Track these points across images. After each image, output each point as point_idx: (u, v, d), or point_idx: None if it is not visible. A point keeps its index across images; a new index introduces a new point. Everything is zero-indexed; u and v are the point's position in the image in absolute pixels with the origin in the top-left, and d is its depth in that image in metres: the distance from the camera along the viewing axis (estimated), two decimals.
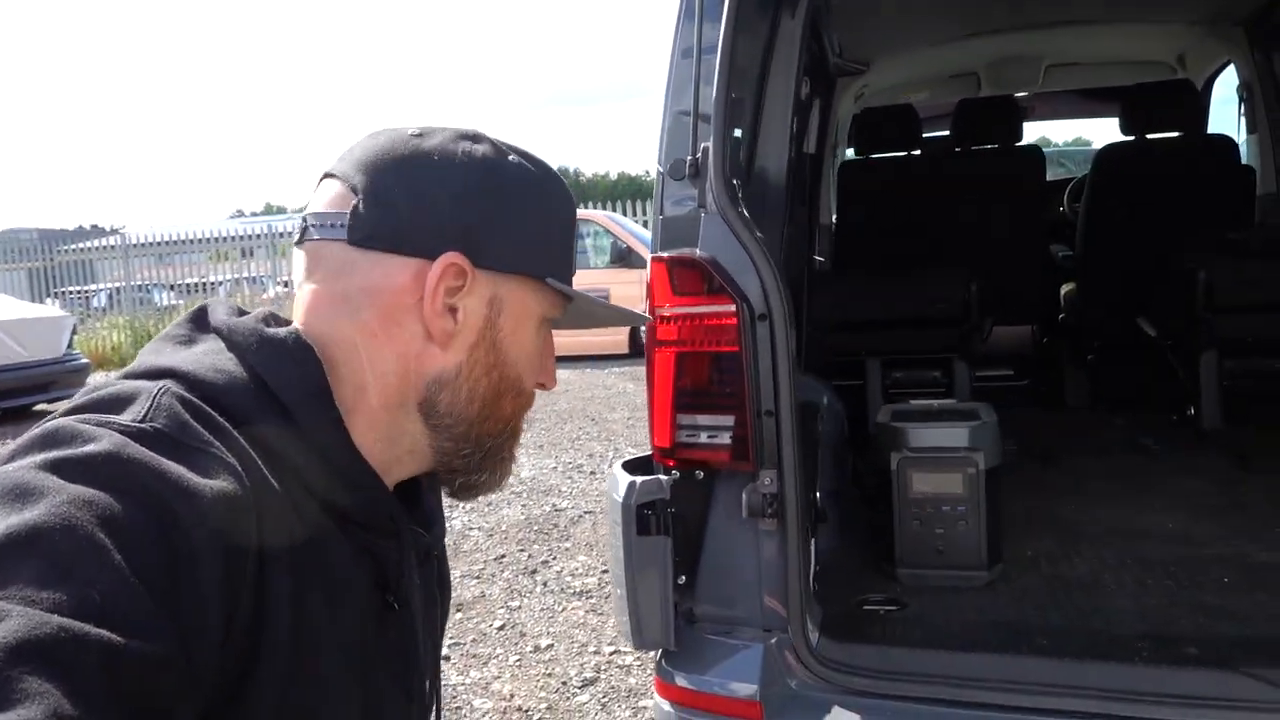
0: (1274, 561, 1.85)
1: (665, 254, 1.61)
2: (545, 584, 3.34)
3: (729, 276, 1.55)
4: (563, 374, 7.63)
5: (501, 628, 3.00)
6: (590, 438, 5.99)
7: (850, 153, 4.19)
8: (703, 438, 1.59)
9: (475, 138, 0.72)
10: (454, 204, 0.69)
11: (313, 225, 0.70)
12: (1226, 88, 3.95)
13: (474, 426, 0.73)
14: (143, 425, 0.56)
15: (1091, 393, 3.64)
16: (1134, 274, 3.40)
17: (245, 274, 14.35)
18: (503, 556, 3.68)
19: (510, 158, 0.73)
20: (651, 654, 1.69)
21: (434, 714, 0.82)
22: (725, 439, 1.56)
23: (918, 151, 3.91)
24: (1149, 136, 3.60)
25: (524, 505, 4.47)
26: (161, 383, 0.60)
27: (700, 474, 1.62)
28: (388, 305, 0.69)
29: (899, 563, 1.85)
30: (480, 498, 0.81)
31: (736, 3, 1.60)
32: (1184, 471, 2.55)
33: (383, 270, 0.68)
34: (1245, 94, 3.73)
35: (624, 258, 10.02)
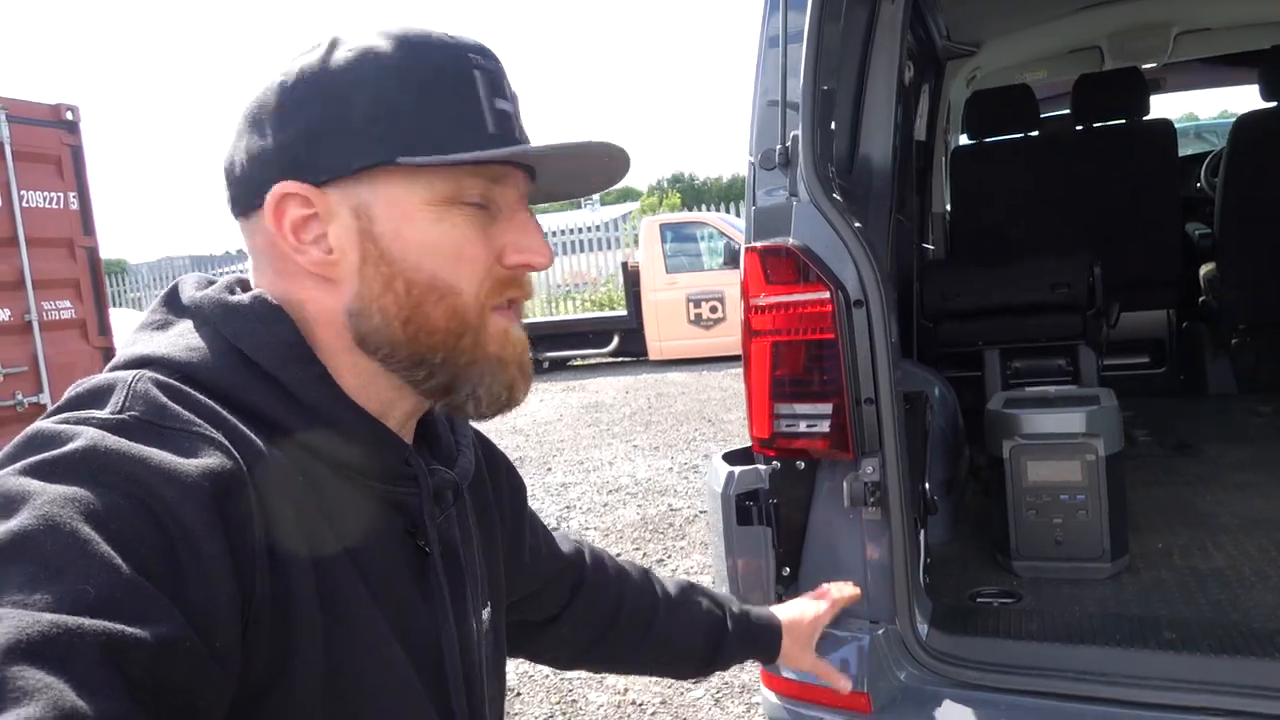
0: None
1: (759, 244, 1.60)
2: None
3: (823, 264, 1.54)
4: (679, 376, 7.69)
5: None
6: (706, 438, 5.99)
7: (964, 139, 4.05)
8: (801, 426, 1.57)
9: (309, 52, 0.67)
10: (273, 135, 0.65)
11: (228, 201, 0.71)
12: None
13: (414, 347, 0.67)
14: (120, 416, 0.55)
15: (1236, 379, 3.40)
16: (1278, 250, 3.17)
17: None
18: (619, 555, 3.71)
19: (337, 53, 0.65)
20: None
21: (492, 649, 0.82)
22: (824, 427, 1.54)
23: (1035, 133, 3.74)
24: None
25: (639, 506, 4.51)
26: (137, 371, 0.59)
27: (801, 464, 1.61)
28: (275, 260, 0.67)
29: (1014, 554, 1.78)
30: (503, 413, 0.72)
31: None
32: None
33: (256, 229, 0.68)
34: None
35: (737, 258, 9.96)
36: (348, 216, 0.65)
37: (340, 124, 0.64)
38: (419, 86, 0.64)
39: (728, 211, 12.43)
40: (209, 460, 0.55)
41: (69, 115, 5.15)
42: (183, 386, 0.60)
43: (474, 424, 0.91)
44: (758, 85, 1.73)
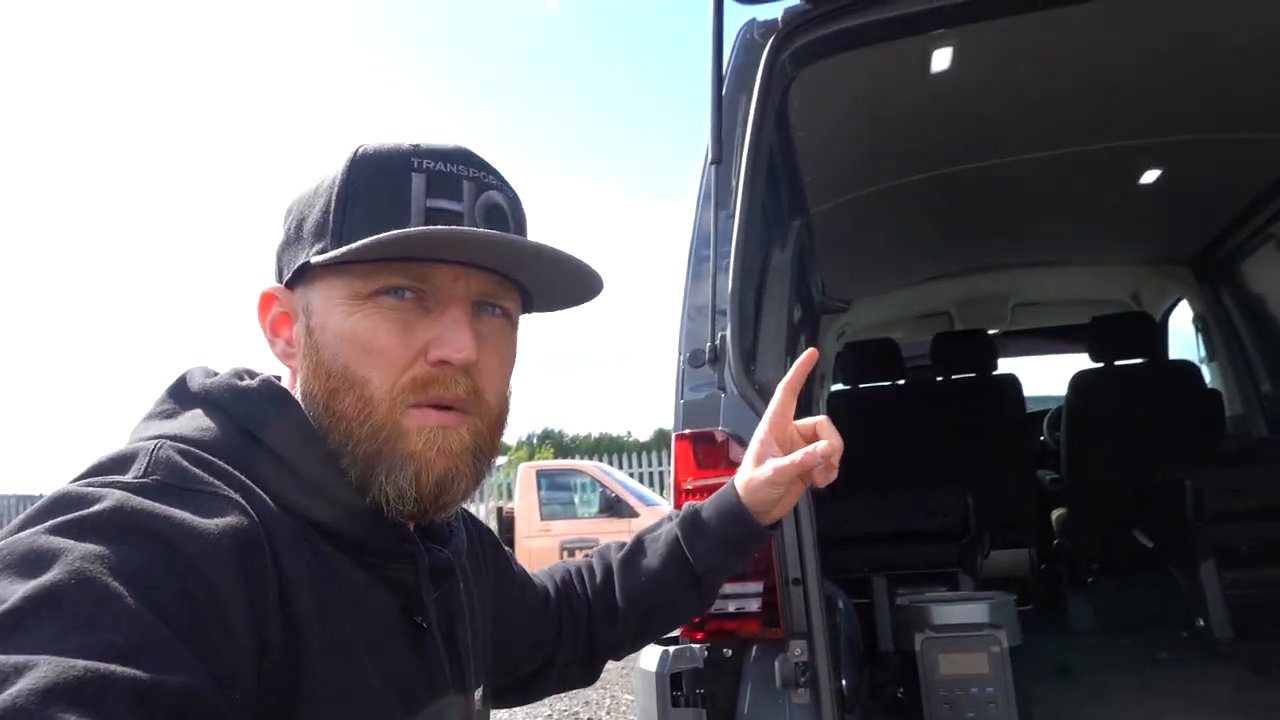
0: None
1: (688, 430, 1.71)
2: None
3: None
4: None
5: None
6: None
7: (839, 386, 4.41)
8: (731, 607, 1.61)
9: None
10: (277, 242, 0.76)
11: None
12: (1184, 319, 4.27)
13: (333, 434, 0.69)
14: (144, 480, 0.58)
15: (1095, 615, 3.61)
16: (1121, 492, 3.50)
17: None
18: None
19: (322, 170, 0.74)
20: None
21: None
22: (754, 606, 1.58)
23: (902, 381, 4.12)
24: (1117, 363, 3.84)
25: None
26: (158, 440, 0.63)
27: (728, 651, 1.62)
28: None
29: None
30: (420, 512, 0.70)
31: (745, 214, 1.82)
32: (1203, 679, 2.52)
33: None
34: (1200, 325, 4.03)
35: (613, 507, 10.04)
36: (300, 315, 0.72)
37: (296, 234, 0.73)
38: (349, 195, 0.70)
39: (602, 460, 12.62)
40: (229, 519, 0.58)
41: None
42: (202, 453, 0.63)
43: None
44: (687, 294, 1.91)
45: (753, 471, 0.99)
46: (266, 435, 0.67)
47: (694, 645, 1.61)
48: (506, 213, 0.74)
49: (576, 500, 10.43)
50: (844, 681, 1.89)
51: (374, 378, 0.68)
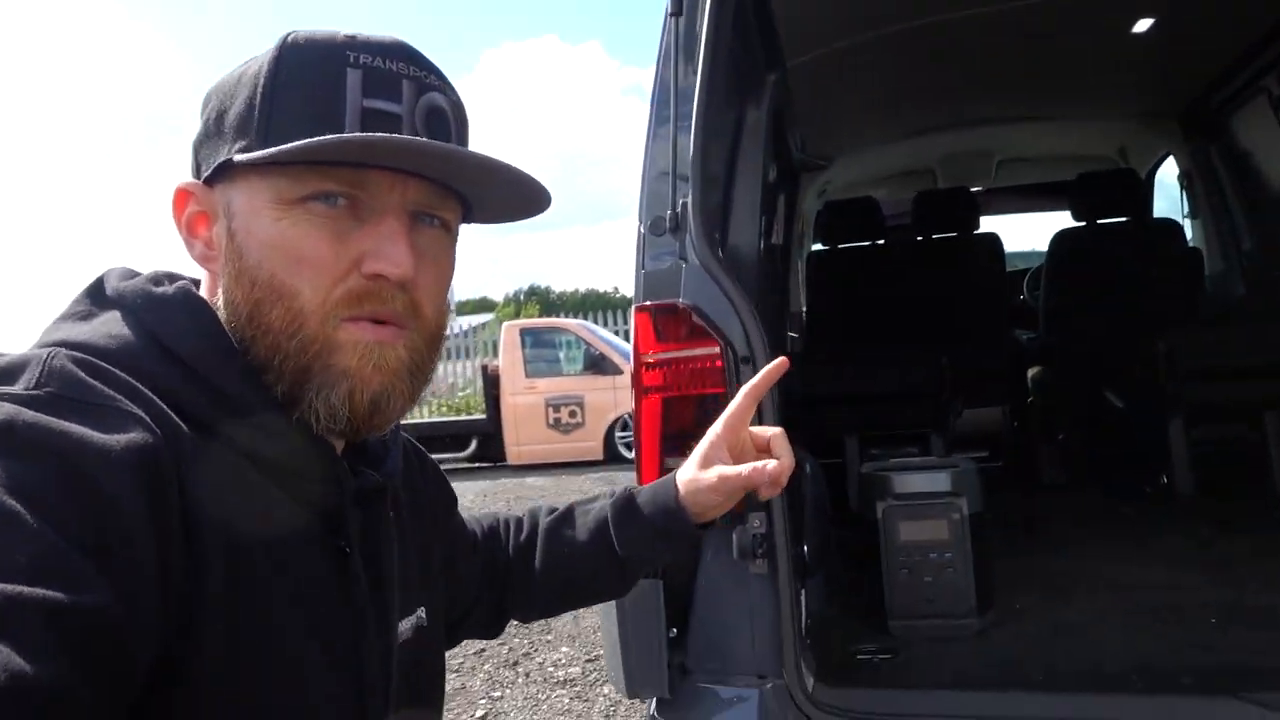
0: (1258, 604, 1.87)
1: (649, 302, 1.65)
2: (528, 674, 3.25)
3: (712, 321, 1.60)
4: (538, 481, 7.57)
5: (483, 717, 2.89)
6: None
7: (818, 245, 4.34)
8: None
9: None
10: (194, 134, 0.70)
11: None
12: (1170, 176, 4.18)
13: (258, 347, 0.65)
14: (35, 392, 0.54)
15: (1065, 470, 3.68)
16: (1096, 351, 3.50)
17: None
18: (482, 650, 3.58)
19: (246, 61, 0.68)
20: (645, 706, 1.64)
21: (422, 655, 0.79)
22: None
23: (881, 241, 4.05)
24: (1099, 222, 3.78)
25: None
26: (51, 349, 0.58)
27: None
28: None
29: (890, 614, 1.84)
30: (350, 431, 0.67)
31: (710, 69, 1.70)
32: (1165, 533, 2.58)
33: None
34: (1185, 182, 3.94)
35: (597, 364, 10.11)
36: (221, 216, 0.66)
37: (216, 127, 0.66)
38: (276, 87, 0.64)
39: (586, 319, 12.63)
40: (130, 435, 0.54)
41: None
42: (101, 364, 0.58)
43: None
44: (647, 157, 1.81)
45: (697, 472, 0.93)
46: (179, 347, 0.63)
47: None
48: (449, 117, 0.69)
49: (561, 357, 10.50)
50: (805, 546, 1.93)
51: (304, 290, 0.63)
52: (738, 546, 1.54)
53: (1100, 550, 2.39)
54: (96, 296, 0.66)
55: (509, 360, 10.05)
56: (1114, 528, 2.72)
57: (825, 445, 3.09)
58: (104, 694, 0.47)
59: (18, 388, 0.54)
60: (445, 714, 2.95)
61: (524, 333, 10.37)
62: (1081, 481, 3.51)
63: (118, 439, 0.53)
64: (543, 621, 3.91)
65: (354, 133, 0.63)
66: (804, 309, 4.16)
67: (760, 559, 1.54)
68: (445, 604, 0.89)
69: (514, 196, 0.72)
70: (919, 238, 4.02)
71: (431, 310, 0.69)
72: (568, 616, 3.98)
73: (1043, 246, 4.14)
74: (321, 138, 0.60)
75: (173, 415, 0.58)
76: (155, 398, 0.59)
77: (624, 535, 0.96)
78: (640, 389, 1.64)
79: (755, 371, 1.60)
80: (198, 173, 0.68)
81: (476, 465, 10.34)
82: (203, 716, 0.56)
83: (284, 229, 0.63)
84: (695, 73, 1.73)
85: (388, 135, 0.62)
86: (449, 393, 13.25)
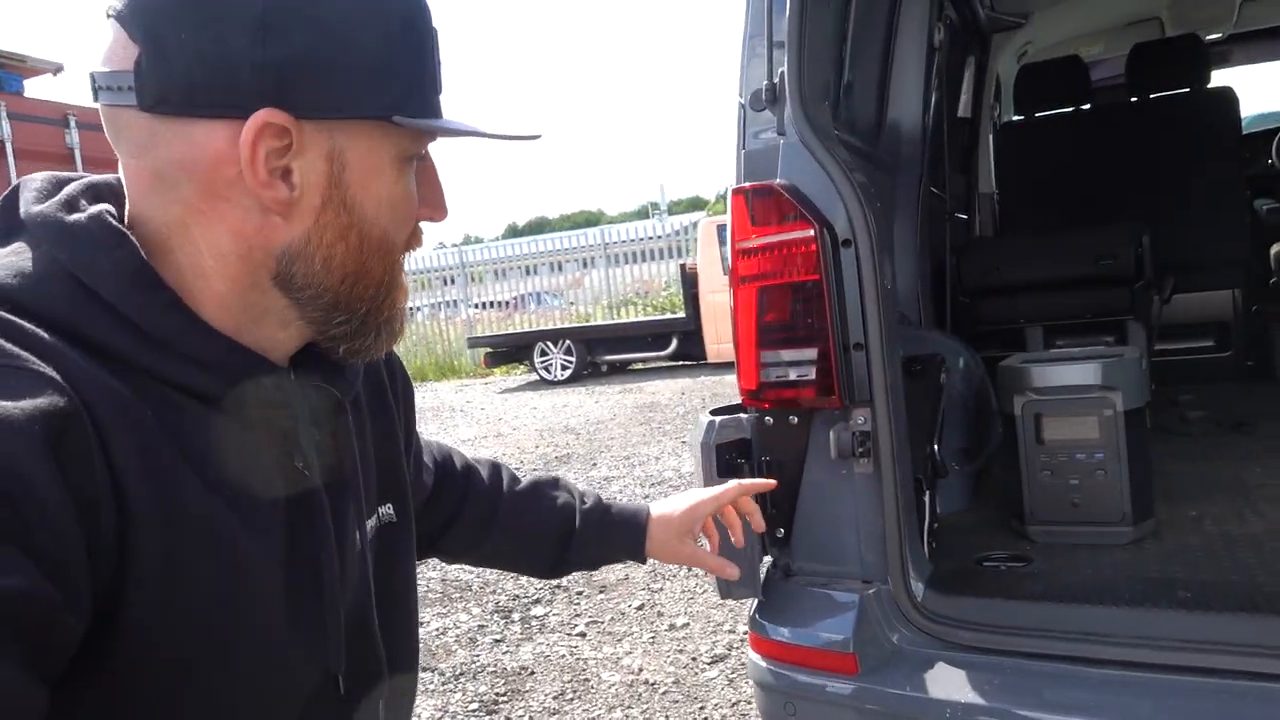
0: None
1: (745, 185, 1.54)
2: (689, 569, 3.29)
3: (809, 202, 1.46)
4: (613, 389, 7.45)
5: (640, 607, 2.97)
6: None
7: (1016, 117, 3.90)
8: (791, 375, 1.50)
9: None
10: (254, 41, 0.56)
11: (100, 87, 0.59)
12: None
13: (341, 294, 0.65)
14: None
15: None
16: None
17: (444, 299, 15.25)
18: None
19: None
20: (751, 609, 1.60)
21: (391, 552, 0.79)
22: (811, 374, 1.46)
23: (1087, 106, 3.57)
24: None
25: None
26: None
27: (794, 418, 1.53)
28: (206, 179, 0.59)
29: (1029, 519, 1.67)
30: (373, 358, 0.72)
31: None
32: None
33: (187, 139, 0.58)
34: None
35: None
36: (320, 157, 0.60)
37: (340, 64, 0.59)
38: (411, 42, 0.63)
39: None
40: (40, 400, 0.50)
41: (71, 117, 5.18)
42: (9, 317, 0.54)
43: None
44: (746, 26, 1.66)
45: (676, 526, 1.06)
46: (99, 285, 0.57)
47: (742, 415, 1.53)
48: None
49: None
50: (936, 447, 1.78)
51: (399, 243, 0.67)
52: (836, 445, 1.44)
53: None
54: (8, 214, 0.62)
55: (707, 258, 9.99)
56: None
57: (1008, 338, 2.84)
58: (34, 675, 0.46)
59: None
60: (606, 604, 3.07)
61: (721, 229, 10.21)
62: None
63: (24, 408, 0.49)
64: None
65: (437, 103, 0.66)
66: (995, 189, 3.78)
67: (863, 458, 1.43)
68: (414, 493, 0.88)
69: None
70: (1133, 99, 3.50)
71: None
72: None
73: None
74: (517, 133, 0.67)
75: (88, 369, 0.54)
76: (71, 351, 0.55)
77: (584, 540, 1.04)
78: (736, 280, 1.54)
79: (857, 256, 1.47)
80: (281, 100, 0.57)
81: (678, 364, 10.47)
82: (138, 670, 0.55)
83: (403, 187, 0.65)
84: None
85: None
86: (655, 293, 13.44)
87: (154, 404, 0.58)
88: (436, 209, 0.69)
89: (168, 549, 0.55)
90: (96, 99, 0.60)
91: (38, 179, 0.64)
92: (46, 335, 0.54)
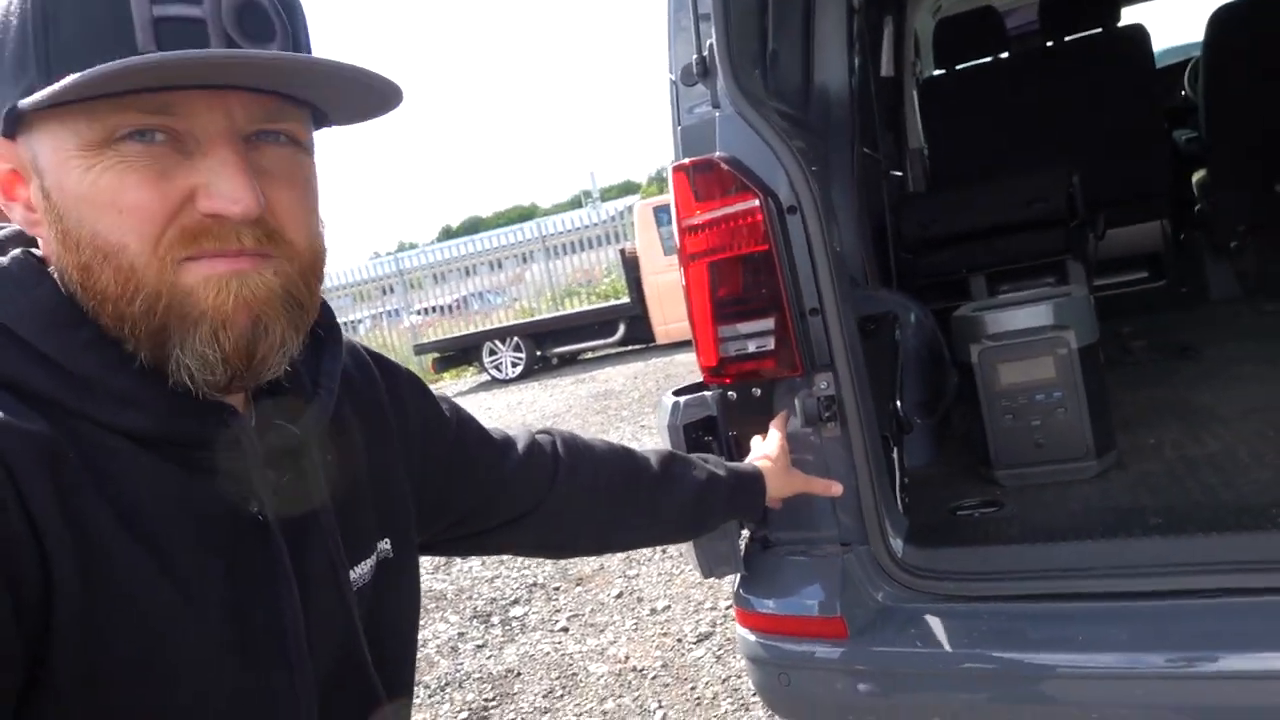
0: None
1: (686, 160, 1.52)
2: (665, 551, 3.29)
3: (750, 172, 1.46)
4: (688, 357, 7.55)
5: (619, 595, 2.97)
6: None
7: (937, 72, 3.94)
8: (750, 347, 1.49)
9: None
10: None
11: None
12: None
13: (104, 314, 0.58)
14: None
15: (1240, 282, 3.28)
16: (1271, 143, 3.04)
17: (384, 309, 15.03)
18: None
19: None
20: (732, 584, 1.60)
21: (386, 593, 0.76)
22: (770, 344, 1.46)
23: (1005, 55, 3.63)
24: None
25: None
26: None
27: (756, 390, 1.53)
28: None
29: (995, 463, 1.69)
30: (231, 378, 0.60)
31: None
32: None
33: None
34: None
35: None
36: (27, 170, 0.58)
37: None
38: (48, 8, 0.55)
39: None
40: None
41: None
42: None
43: (362, 346, 0.85)
44: (670, 2, 1.64)
45: (785, 479, 1.35)
46: (18, 325, 0.56)
47: (705, 393, 1.53)
48: (266, 10, 0.58)
49: None
50: (899, 403, 1.79)
51: (130, 242, 0.56)
52: (803, 411, 1.44)
53: (1262, 373, 2.10)
54: None
55: (645, 240, 9.97)
56: None
57: (952, 289, 2.87)
58: None
59: None
60: (585, 596, 3.05)
61: (658, 210, 10.20)
62: (1257, 294, 3.11)
63: None
64: None
65: (146, 52, 0.53)
66: (923, 145, 3.82)
67: (830, 422, 1.44)
68: (421, 523, 0.85)
69: (361, 96, 0.62)
70: (1049, 43, 3.56)
71: (299, 235, 0.62)
72: None
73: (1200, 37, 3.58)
74: (100, 68, 0.51)
75: (3, 412, 0.52)
76: None
77: (727, 511, 1.27)
78: (685, 258, 1.53)
79: (804, 222, 1.46)
80: None
81: (628, 349, 10.46)
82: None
83: (95, 178, 0.55)
84: None
85: (182, 54, 0.53)
86: (597, 281, 13.40)
87: (83, 447, 0.55)
88: (212, 196, 0.56)
89: (87, 606, 0.52)
90: None
91: None
92: None
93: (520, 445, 1.02)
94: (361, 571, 0.73)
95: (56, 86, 0.52)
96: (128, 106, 0.54)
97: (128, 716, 0.55)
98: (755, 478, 1.28)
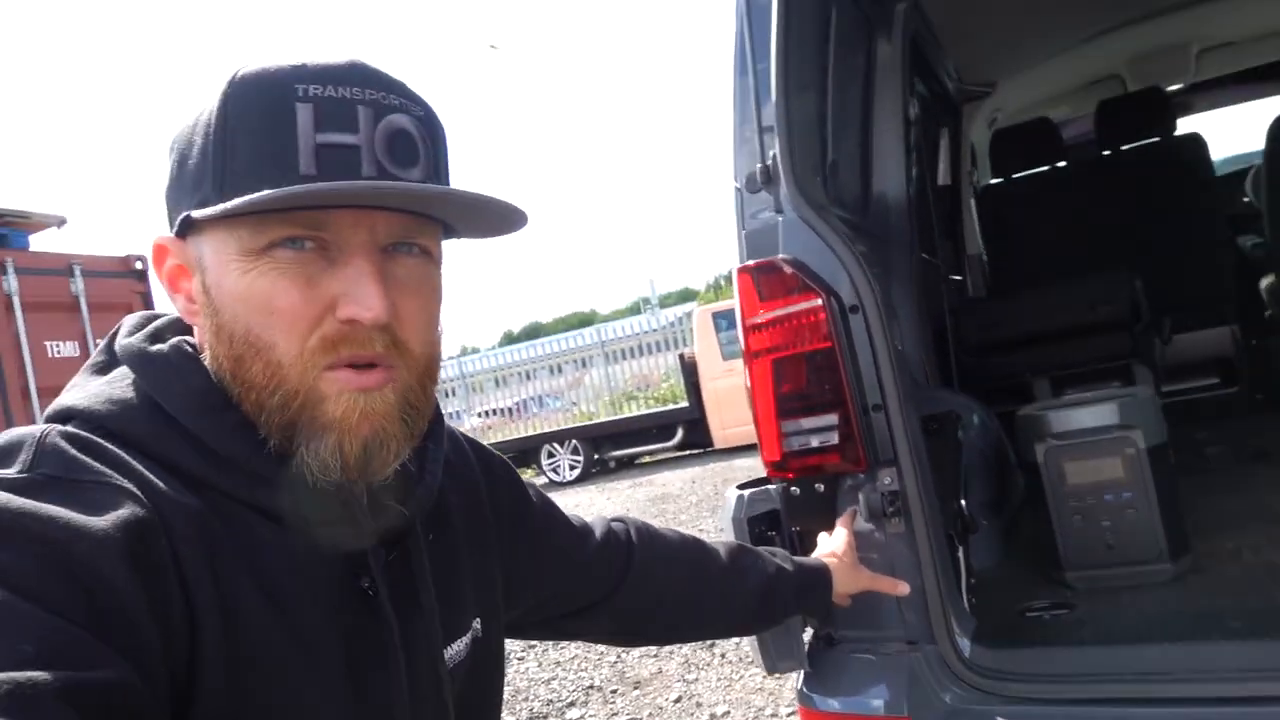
0: None
1: (750, 262, 1.58)
2: (724, 655, 3.23)
3: (812, 273, 1.51)
4: (746, 462, 7.55)
5: (678, 700, 2.91)
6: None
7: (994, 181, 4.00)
8: (814, 442, 1.52)
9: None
10: (166, 174, 0.68)
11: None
12: None
13: (246, 403, 0.64)
14: (26, 475, 0.55)
15: None
16: None
17: (446, 410, 15.25)
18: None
19: (199, 103, 0.66)
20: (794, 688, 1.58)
21: (477, 672, 0.79)
22: (833, 439, 1.48)
23: (1063, 164, 3.68)
24: None
25: None
26: (46, 427, 0.60)
27: (819, 485, 1.54)
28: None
29: (1065, 565, 1.66)
30: (347, 481, 0.65)
31: (785, 8, 1.60)
32: None
33: None
34: None
35: None
36: (193, 268, 0.67)
37: (179, 177, 0.66)
38: (227, 133, 0.62)
39: None
40: (121, 511, 0.55)
41: (138, 265, 5.42)
42: (94, 438, 0.60)
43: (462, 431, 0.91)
44: (735, 115, 1.74)
45: (852, 576, 1.35)
46: (171, 406, 0.64)
47: (769, 486, 1.55)
48: (414, 137, 0.65)
49: None
50: (964, 502, 1.78)
51: (279, 342, 0.62)
52: (867, 507, 1.45)
53: None
54: (109, 347, 0.70)
55: (704, 345, 10.08)
56: None
57: (1014, 392, 2.86)
58: None
59: (11, 471, 0.56)
60: (643, 700, 3.00)
61: (716, 316, 10.34)
62: None
63: (107, 519, 0.54)
64: None
65: (308, 180, 0.61)
66: (982, 251, 3.86)
67: (894, 518, 1.44)
68: (506, 604, 0.89)
69: (490, 217, 0.70)
70: (1105, 152, 3.61)
71: (419, 344, 0.68)
72: None
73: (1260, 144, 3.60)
74: (268, 193, 0.58)
75: (161, 485, 0.59)
76: (147, 467, 0.60)
77: (794, 606, 1.27)
78: (749, 355, 1.57)
79: (865, 320, 1.50)
80: (171, 223, 0.68)
81: (686, 454, 10.44)
82: None
83: (252, 281, 0.62)
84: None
85: (337, 185, 0.60)
86: (655, 386, 13.48)
87: (225, 520, 0.61)
88: (349, 303, 0.62)
89: (229, 660, 0.58)
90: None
91: (134, 316, 0.73)
92: (128, 455, 0.60)
93: (598, 532, 1.05)
94: (457, 649, 0.77)
95: (229, 204, 0.60)
96: (286, 221, 0.62)
97: None
98: (823, 573, 1.29)
